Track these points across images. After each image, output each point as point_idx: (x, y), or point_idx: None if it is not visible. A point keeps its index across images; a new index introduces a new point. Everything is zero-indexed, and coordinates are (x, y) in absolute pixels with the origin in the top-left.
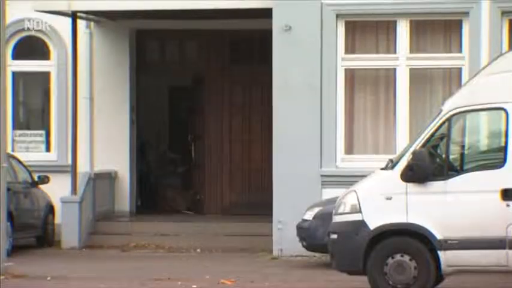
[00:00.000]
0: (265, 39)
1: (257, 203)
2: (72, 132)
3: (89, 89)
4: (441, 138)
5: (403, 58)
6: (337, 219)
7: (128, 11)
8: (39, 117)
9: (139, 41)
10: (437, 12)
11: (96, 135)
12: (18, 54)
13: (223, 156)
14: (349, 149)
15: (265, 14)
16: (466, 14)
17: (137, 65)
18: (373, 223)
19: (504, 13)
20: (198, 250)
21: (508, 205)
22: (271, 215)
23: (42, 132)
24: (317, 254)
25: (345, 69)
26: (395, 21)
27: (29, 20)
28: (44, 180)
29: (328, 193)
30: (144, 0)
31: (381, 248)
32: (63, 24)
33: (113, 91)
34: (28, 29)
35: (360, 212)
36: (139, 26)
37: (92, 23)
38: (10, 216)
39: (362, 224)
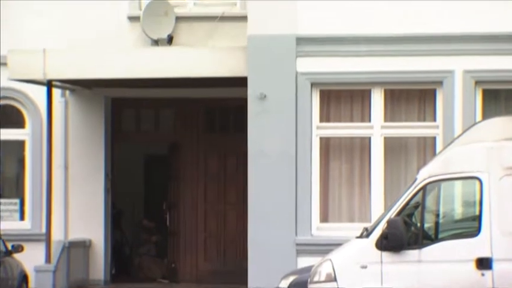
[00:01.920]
0: (240, 107)
1: (232, 271)
2: (47, 201)
3: (63, 157)
4: (416, 207)
5: (377, 127)
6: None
7: (103, 79)
8: (14, 185)
9: (115, 109)
10: (411, 81)
11: (71, 203)
12: None
13: (199, 224)
14: (325, 217)
15: (241, 82)
16: (440, 83)
17: (112, 133)
18: None
19: (478, 83)
20: None
21: (483, 274)
22: (246, 283)
23: (17, 200)
24: None
25: (320, 137)
26: (369, 90)
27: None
28: (18, 249)
29: (304, 261)
30: (120, 69)
31: None
32: (38, 93)
33: (88, 159)
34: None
35: (335, 280)
36: (115, 94)
37: (67, 92)
38: None
39: None
